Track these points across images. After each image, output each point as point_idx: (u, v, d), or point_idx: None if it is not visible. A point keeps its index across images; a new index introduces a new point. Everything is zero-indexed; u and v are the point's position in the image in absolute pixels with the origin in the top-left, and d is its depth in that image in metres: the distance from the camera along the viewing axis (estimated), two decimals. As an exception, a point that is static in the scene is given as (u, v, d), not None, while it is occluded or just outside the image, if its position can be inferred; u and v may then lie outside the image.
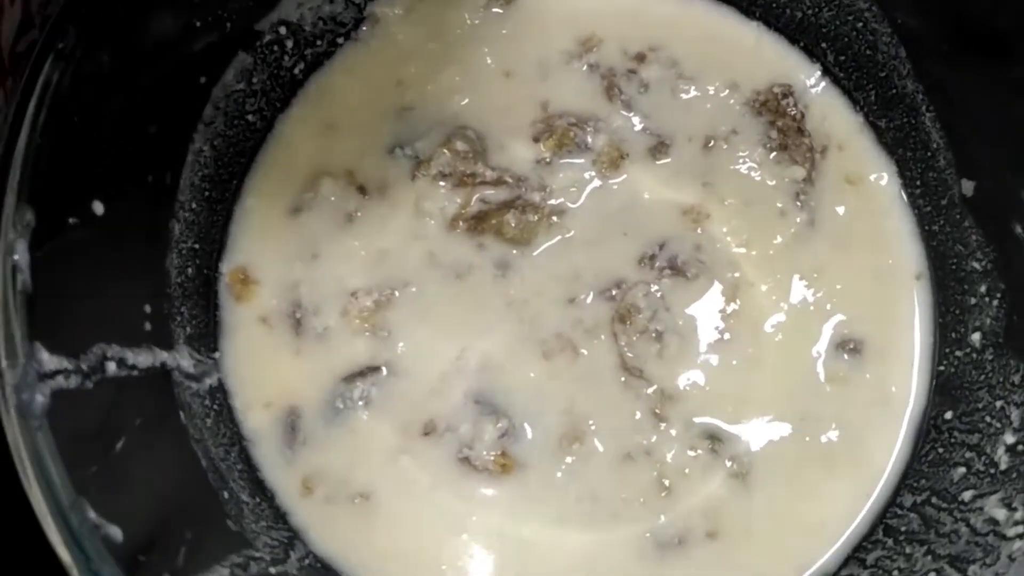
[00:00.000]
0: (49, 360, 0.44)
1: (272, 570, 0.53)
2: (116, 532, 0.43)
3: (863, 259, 0.59)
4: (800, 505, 0.56)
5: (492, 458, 0.56)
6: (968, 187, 0.56)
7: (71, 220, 0.46)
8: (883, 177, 0.60)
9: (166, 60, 0.51)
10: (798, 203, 0.59)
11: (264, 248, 0.59)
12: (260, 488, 0.56)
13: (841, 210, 0.59)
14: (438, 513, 0.56)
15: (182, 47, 0.52)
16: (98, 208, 0.48)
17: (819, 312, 0.58)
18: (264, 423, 0.57)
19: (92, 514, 0.42)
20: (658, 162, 0.59)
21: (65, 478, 0.42)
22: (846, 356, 0.58)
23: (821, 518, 0.56)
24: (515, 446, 0.56)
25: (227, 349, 0.58)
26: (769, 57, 0.61)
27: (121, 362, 0.49)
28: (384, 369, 0.57)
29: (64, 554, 0.41)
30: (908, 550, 0.54)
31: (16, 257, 0.43)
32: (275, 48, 0.58)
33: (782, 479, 0.56)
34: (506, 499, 0.56)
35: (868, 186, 0.60)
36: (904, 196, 0.60)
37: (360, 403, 0.56)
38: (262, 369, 0.58)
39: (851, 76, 0.60)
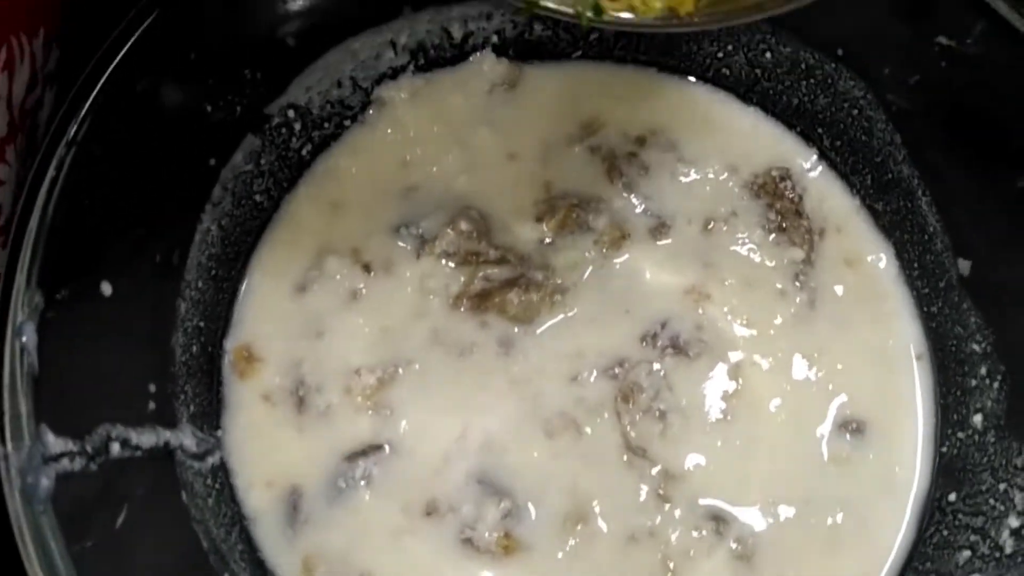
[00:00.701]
0: (55, 443, 0.44)
1: (272, 655, 0.52)
2: (118, 619, 0.43)
3: (863, 339, 0.59)
4: (806, 588, 0.56)
5: (495, 539, 0.55)
6: (965, 268, 0.57)
7: (79, 301, 0.47)
8: (881, 259, 0.61)
9: (176, 143, 0.52)
10: (797, 284, 0.59)
11: (268, 326, 0.59)
12: (261, 569, 0.56)
13: (840, 291, 0.60)
14: (440, 595, 0.55)
15: (193, 130, 0.54)
16: (106, 289, 0.49)
17: (821, 392, 0.58)
18: (265, 502, 0.57)
19: (94, 601, 0.42)
20: (659, 243, 0.60)
21: (68, 562, 0.42)
22: (849, 437, 0.57)
23: (827, 602, 0.56)
24: (518, 527, 0.55)
25: (229, 427, 0.58)
26: (767, 141, 0.62)
27: (125, 443, 0.49)
28: (387, 448, 0.57)
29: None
30: (915, 635, 0.53)
31: (24, 339, 0.44)
32: (283, 130, 0.59)
33: (787, 561, 0.55)
34: (509, 582, 0.55)
35: (866, 267, 0.60)
36: (903, 278, 0.60)
37: (362, 482, 0.56)
38: (264, 447, 0.57)
39: (847, 160, 0.61)
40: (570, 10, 0.45)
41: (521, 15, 0.60)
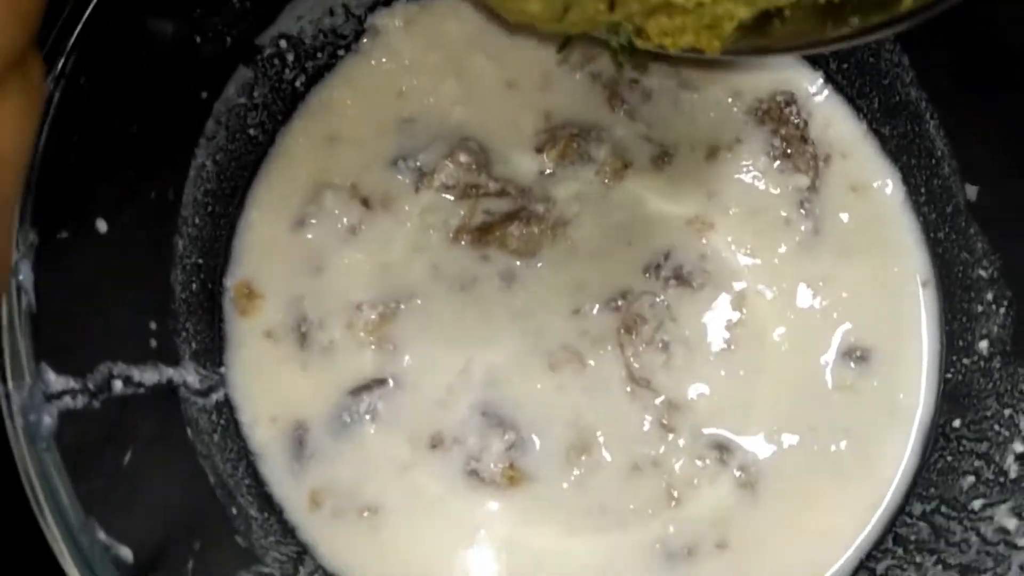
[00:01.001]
0: (56, 381, 0.44)
1: (281, 585, 0.53)
2: (126, 553, 0.43)
3: (869, 267, 0.59)
4: (809, 515, 0.56)
5: (500, 470, 0.55)
6: (973, 193, 0.56)
7: (75, 239, 0.46)
8: (887, 185, 0.60)
9: (167, 76, 0.51)
10: (802, 211, 0.59)
11: (268, 262, 0.58)
12: (268, 503, 0.56)
13: (846, 218, 0.59)
14: (446, 526, 0.55)
15: (183, 63, 0.52)
16: (101, 226, 0.48)
17: (825, 320, 0.58)
18: (271, 437, 0.57)
19: (102, 535, 0.43)
20: (662, 171, 0.59)
21: (74, 499, 0.42)
22: (853, 364, 0.57)
23: (830, 527, 0.56)
24: (523, 458, 0.56)
25: (233, 364, 0.58)
26: (771, 66, 0.60)
27: (127, 380, 0.49)
28: (390, 382, 0.57)
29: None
30: (918, 559, 0.53)
31: (21, 277, 0.43)
32: (276, 62, 0.58)
33: (791, 489, 0.56)
34: (514, 512, 0.55)
35: (872, 194, 0.60)
36: (909, 203, 0.59)
37: (367, 416, 0.56)
38: (268, 383, 0.57)
39: (854, 84, 0.60)
40: (606, 39, 0.49)
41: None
